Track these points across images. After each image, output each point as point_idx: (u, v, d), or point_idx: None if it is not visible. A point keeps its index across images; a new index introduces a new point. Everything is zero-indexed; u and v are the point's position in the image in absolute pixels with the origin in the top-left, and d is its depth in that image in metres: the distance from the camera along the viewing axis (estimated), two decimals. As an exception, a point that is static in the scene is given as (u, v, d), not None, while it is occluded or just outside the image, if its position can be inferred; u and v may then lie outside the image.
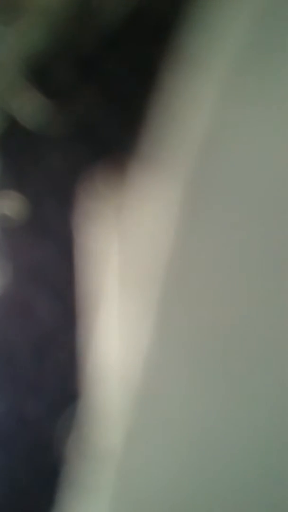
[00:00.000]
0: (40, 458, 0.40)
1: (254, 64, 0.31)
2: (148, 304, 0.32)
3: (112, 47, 0.40)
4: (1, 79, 0.40)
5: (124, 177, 0.37)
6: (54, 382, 0.41)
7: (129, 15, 0.39)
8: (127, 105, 0.39)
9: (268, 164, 0.30)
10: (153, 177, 0.34)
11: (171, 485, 0.31)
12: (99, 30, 0.39)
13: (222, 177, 0.31)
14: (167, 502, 0.31)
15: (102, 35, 0.39)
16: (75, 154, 0.41)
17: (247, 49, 0.31)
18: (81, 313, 0.40)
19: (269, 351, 0.29)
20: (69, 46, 0.40)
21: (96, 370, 0.37)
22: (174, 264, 0.32)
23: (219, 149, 0.31)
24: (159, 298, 0.32)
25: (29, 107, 0.40)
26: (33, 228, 0.42)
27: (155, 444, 0.31)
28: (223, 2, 0.32)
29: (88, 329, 0.39)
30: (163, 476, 0.31)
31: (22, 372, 0.41)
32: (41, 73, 0.40)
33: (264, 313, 0.30)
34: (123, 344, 0.35)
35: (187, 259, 0.31)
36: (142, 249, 0.34)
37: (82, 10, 0.39)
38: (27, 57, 0.39)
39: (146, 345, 0.32)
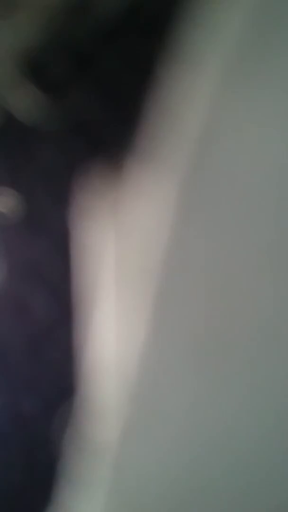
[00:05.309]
0: (36, 454, 0.40)
1: (251, 60, 0.31)
2: (145, 300, 0.32)
3: (108, 42, 0.40)
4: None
5: (120, 172, 0.37)
6: (50, 378, 0.41)
7: (126, 10, 0.39)
8: (123, 100, 0.39)
9: (266, 160, 0.30)
10: (149, 172, 0.34)
11: (166, 480, 0.31)
12: (96, 25, 0.39)
13: (218, 172, 0.31)
14: (163, 497, 0.31)
15: (99, 30, 0.39)
16: (71, 149, 0.41)
17: (244, 44, 0.31)
18: (77, 309, 0.40)
19: (267, 345, 0.29)
20: (65, 41, 0.39)
21: (92, 365, 0.37)
22: (171, 260, 0.32)
23: (216, 145, 0.31)
24: (155, 294, 0.32)
25: (25, 102, 0.40)
26: (28, 225, 0.42)
27: (150, 440, 0.31)
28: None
29: (84, 325, 0.39)
30: (158, 471, 0.31)
31: (18, 368, 0.41)
32: (37, 68, 0.40)
33: (261, 308, 0.30)
34: (119, 339, 0.35)
35: (183, 254, 0.31)
36: (139, 245, 0.34)
37: (79, 5, 0.39)
38: (23, 52, 0.39)
39: (143, 341, 0.32)
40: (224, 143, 0.31)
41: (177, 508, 0.31)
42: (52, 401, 0.40)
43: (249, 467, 0.30)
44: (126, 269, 0.35)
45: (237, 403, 0.30)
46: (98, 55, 0.40)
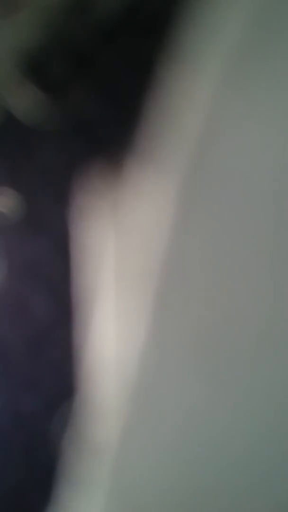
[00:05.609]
0: (36, 454, 0.40)
1: (251, 60, 0.31)
2: (144, 300, 0.32)
3: (108, 42, 0.40)
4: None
5: (120, 172, 0.37)
6: (50, 378, 0.41)
7: (126, 10, 0.39)
8: (123, 100, 0.39)
9: (266, 160, 0.30)
10: (149, 172, 0.34)
11: (166, 480, 0.31)
12: (96, 25, 0.39)
13: (218, 172, 0.31)
14: (162, 497, 0.31)
15: (99, 30, 0.39)
16: (71, 149, 0.41)
17: (244, 44, 0.31)
18: (77, 308, 0.40)
19: (267, 346, 0.29)
20: (65, 41, 0.39)
21: (92, 365, 0.37)
22: (170, 259, 0.32)
23: (216, 145, 0.31)
24: (155, 293, 0.32)
25: (25, 102, 0.40)
26: (28, 225, 0.42)
27: (150, 440, 0.31)
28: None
29: (84, 325, 0.39)
30: (158, 471, 0.31)
31: (18, 368, 0.41)
32: (37, 68, 0.40)
33: (262, 308, 0.30)
34: (119, 339, 0.35)
35: (183, 254, 0.31)
36: (138, 245, 0.34)
37: (79, 5, 0.39)
38: (24, 52, 0.39)
39: (142, 341, 0.32)
40: (224, 143, 0.31)
41: (177, 508, 0.31)
42: (52, 401, 0.40)
43: (249, 467, 0.30)
44: (126, 269, 0.35)
45: (237, 403, 0.30)
46: (98, 55, 0.40)
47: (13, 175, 0.42)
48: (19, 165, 0.42)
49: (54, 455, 0.38)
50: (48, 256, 0.42)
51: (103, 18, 0.39)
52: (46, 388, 0.41)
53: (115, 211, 0.37)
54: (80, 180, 0.40)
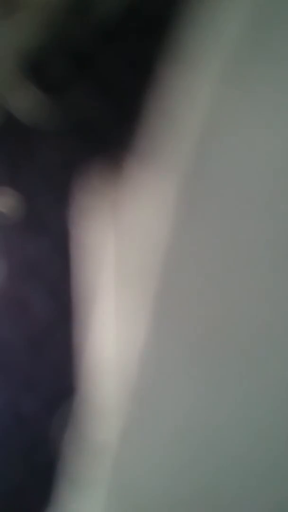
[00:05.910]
0: (36, 454, 0.40)
1: (251, 58, 0.31)
2: (144, 299, 0.32)
3: (108, 42, 0.40)
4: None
5: (120, 172, 0.37)
6: (50, 378, 0.41)
7: (126, 9, 0.39)
8: (124, 100, 0.39)
9: (266, 159, 0.30)
10: (149, 171, 0.34)
11: (166, 479, 0.31)
12: (96, 25, 0.39)
13: (218, 172, 0.31)
14: (163, 497, 0.31)
15: (99, 30, 0.39)
16: (71, 149, 0.41)
17: (244, 44, 0.31)
18: (77, 308, 0.40)
19: (267, 345, 0.29)
20: (65, 41, 0.39)
21: (92, 365, 0.37)
22: (171, 259, 0.32)
23: (216, 144, 0.31)
24: (155, 293, 0.32)
25: (25, 102, 0.40)
26: (28, 225, 0.42)
27: (150, 439, 0.31)
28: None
29: (84, 324, 0.39)
30: (158, 471, 0.31)
31: (18, 368, 0.41)
32: (37, 68, 0.40)
33: (262, 307, 0.30)
34: (119, 339, 0.35)
35: (183, 253, 0.31)
36: (138, 244, 0.34)
37: (79, 5, 0.39)
38: (24, 52, 0.39)
39: (142, 340, 0.32)
40: (224, 143, 0.31)
41: (177, 508, 0.31)
42: (52, 401, 0.40)
43: (248, 467, 0.30)
44: (126, 269, 0.35)
45: (236, 403, 0.30)
46: (98, 55, 0.40)
47: (13, 175, 0.42)
48: (19, 165, 0.42)
49: (54, 455, 0.38)
50: (48, 256, 0.42)
51: (103, 18, 0.39)
52: (46, 388, 0.41)
53: (115, 211, 0.37)
54: (80, 180, 0.40)
